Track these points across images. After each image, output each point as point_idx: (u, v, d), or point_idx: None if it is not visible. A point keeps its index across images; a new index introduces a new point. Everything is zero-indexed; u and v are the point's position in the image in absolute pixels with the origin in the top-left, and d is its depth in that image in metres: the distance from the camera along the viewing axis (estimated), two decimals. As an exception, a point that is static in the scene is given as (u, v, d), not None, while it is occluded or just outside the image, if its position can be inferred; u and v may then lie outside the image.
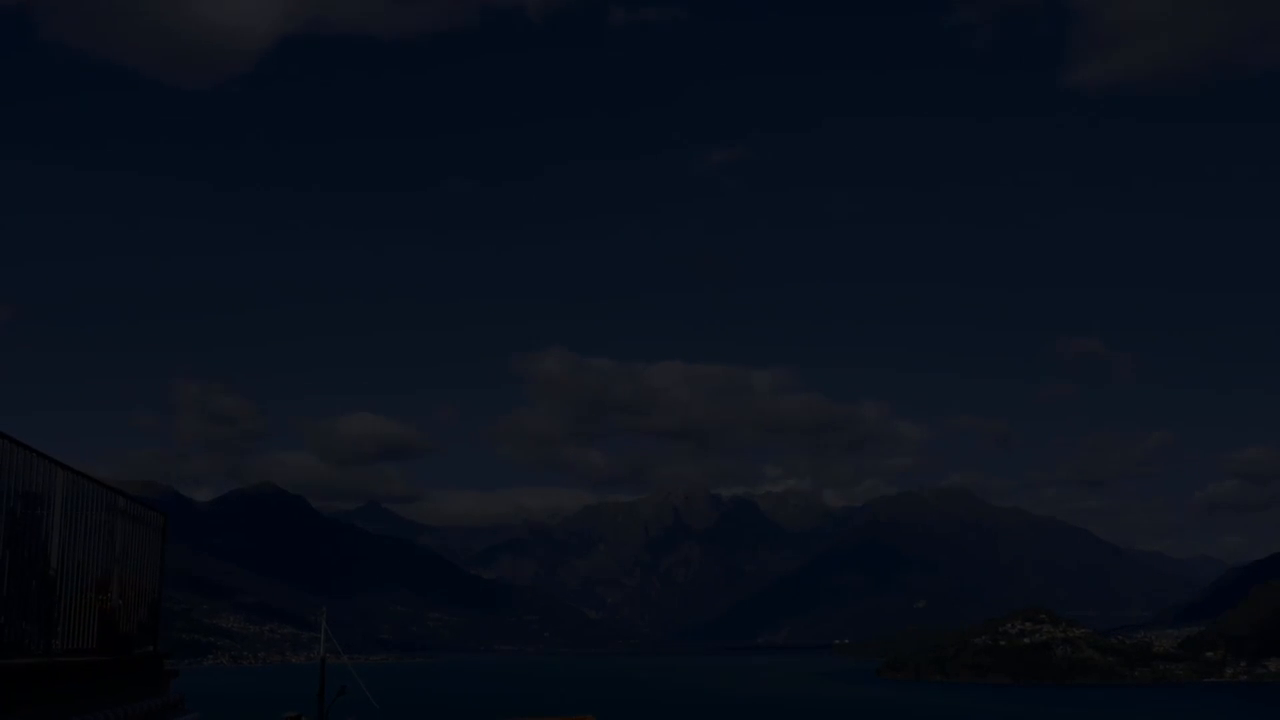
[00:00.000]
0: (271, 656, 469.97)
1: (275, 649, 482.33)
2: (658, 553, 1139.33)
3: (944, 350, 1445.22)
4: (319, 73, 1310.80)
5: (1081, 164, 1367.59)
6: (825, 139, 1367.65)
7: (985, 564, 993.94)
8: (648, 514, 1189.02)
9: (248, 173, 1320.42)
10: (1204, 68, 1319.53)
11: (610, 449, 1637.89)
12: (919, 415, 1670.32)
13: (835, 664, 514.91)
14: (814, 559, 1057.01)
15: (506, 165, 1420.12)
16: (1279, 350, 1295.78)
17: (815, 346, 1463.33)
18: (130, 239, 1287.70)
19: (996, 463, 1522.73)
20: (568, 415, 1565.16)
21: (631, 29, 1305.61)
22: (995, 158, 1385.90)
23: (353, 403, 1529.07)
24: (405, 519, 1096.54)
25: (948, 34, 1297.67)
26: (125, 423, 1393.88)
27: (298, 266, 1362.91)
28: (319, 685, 45.01)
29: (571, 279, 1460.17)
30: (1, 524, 13.39)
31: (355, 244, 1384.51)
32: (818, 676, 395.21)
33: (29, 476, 14.14)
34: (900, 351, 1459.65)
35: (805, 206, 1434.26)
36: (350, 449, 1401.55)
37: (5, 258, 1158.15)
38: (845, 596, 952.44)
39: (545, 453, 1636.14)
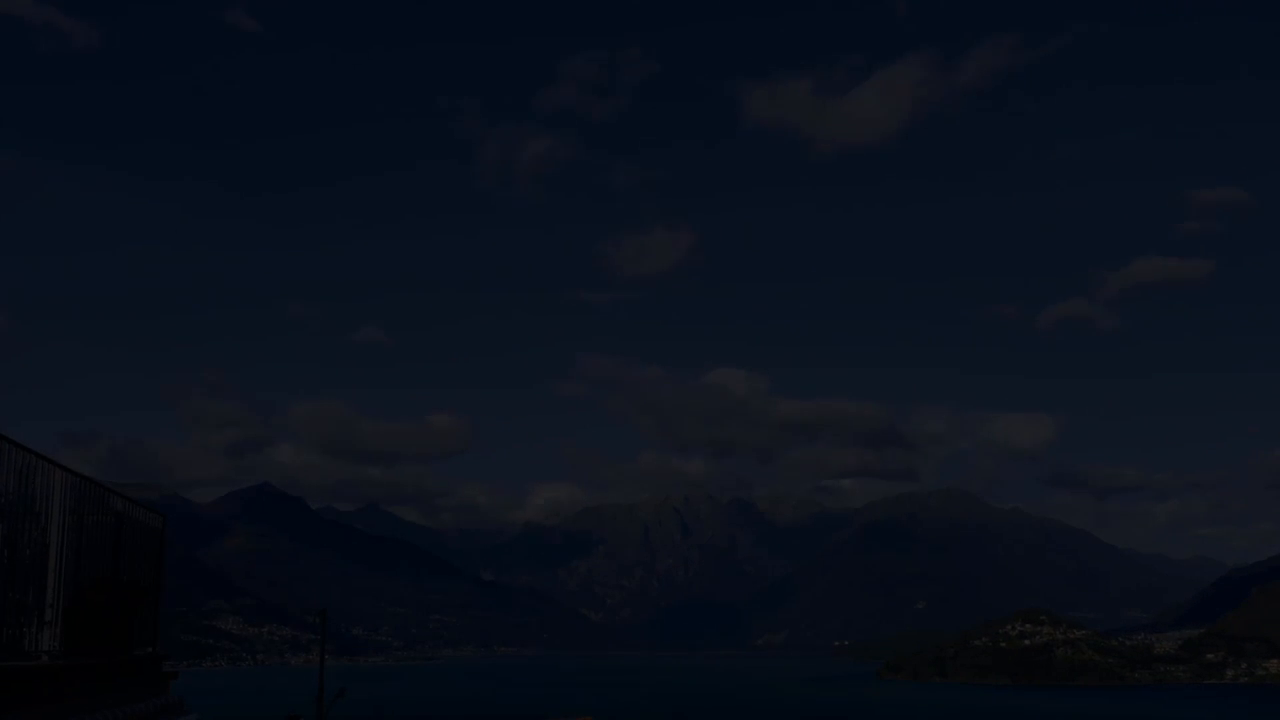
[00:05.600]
0: (271, 658, 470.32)
1: (274, 651, 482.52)
2: (657, 554, 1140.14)
3: (944, 349, 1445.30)
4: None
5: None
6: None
7: (985, 565, 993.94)
8: (648, 515, 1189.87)
9: (256, 171, 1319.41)
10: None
11: (610, 450, 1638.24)
12: (919, 415, 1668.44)
13: (835, 665, 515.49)
14: (814, 560, 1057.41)
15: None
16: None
17: (813, 347, 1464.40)
18: (127, 237, 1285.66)
19: (997, 464, 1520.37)
20: (568, 416, 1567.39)
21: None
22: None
23: (353, 404, 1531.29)
24: (404, 520, 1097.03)
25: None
26: (125, 423, 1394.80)
27: (299, 265, 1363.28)
28: (318, 686, 45.08)
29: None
30: (1, 525, 13.36)
31: (355, 240, 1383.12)
32: (818, 678, 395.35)
33: (28, 478, 14.11)
34: (900, 350, 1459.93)
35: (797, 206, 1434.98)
36: (350, 450, 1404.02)
37: (1, 256, 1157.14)
38: (845, 598, 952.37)
39: (545, 454, 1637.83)
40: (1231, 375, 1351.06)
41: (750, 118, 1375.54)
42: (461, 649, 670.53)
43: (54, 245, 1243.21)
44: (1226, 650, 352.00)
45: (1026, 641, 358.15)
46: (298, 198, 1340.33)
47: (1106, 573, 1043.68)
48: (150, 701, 18.34)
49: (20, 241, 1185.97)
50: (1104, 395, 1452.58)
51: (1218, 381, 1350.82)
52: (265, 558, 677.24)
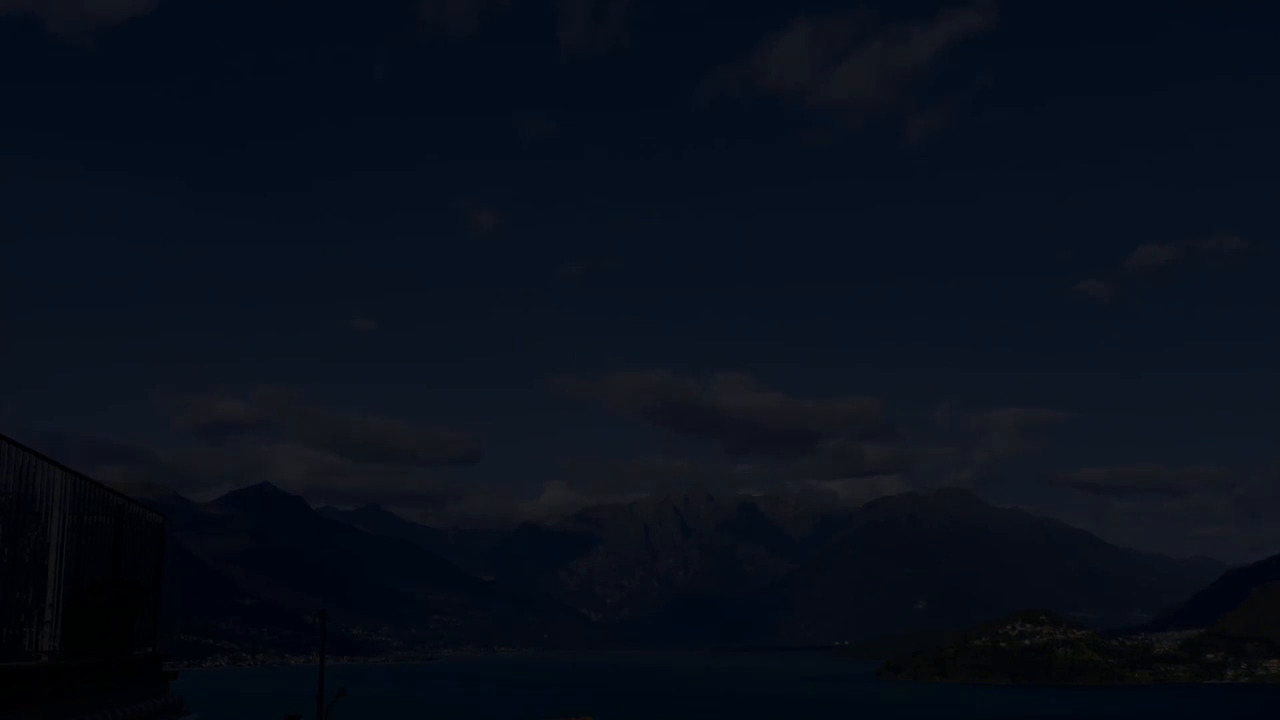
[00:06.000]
0: (271, 658, 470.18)
1: (275, 651, 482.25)
2: (657, 554, 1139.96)
3: (944, 348, 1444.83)
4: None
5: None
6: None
7: (985, 565, 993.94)
8: (647, 515, 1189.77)
9: (255, 168, 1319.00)
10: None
11: (610, 450, 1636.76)
12: (919, 416, 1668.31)
13: (835, 665, 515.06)
14: (814, 560, 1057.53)
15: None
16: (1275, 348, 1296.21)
17: (813, 347, 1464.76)
18: (127, 233, 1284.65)
19: (997, 463, 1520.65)
20: (568, 416, 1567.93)
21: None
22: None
23: (352, 405, 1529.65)
24: (404, 520, 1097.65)
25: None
26: (126, 423, 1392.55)
27: (298, 263, 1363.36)
28: (318, 686, 45.06)
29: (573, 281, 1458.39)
30: (1, 525, 13.36)
31: (355, 237, 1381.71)
32: (818, 678, 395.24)
33: (28, 478, 14.11)
34: (900, 350, 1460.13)
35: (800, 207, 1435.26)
36: (350, 450, 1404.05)
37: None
38: (845, 598, 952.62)
39: (545, 454, 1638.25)
40: (1236, 372, 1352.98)
41: (747, 102, 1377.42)
42: (461, 649, 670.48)
43: (54, 244, 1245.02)
44: (1226, 650, 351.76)
45: (1026, 641, 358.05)
46: (297, 194, 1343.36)
47: (1106, 573, 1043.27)
48: (150, 701, 18.34)
49: (18, 240, 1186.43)
50: (1104, 395, 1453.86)
51: (1221, 379, 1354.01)
52: (265, 558, 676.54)
